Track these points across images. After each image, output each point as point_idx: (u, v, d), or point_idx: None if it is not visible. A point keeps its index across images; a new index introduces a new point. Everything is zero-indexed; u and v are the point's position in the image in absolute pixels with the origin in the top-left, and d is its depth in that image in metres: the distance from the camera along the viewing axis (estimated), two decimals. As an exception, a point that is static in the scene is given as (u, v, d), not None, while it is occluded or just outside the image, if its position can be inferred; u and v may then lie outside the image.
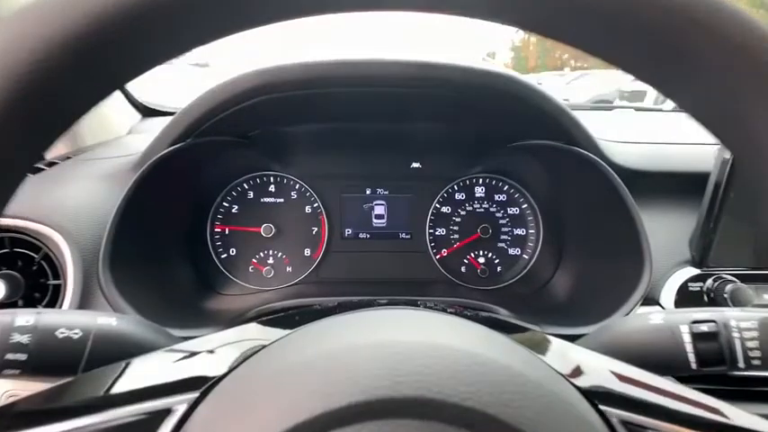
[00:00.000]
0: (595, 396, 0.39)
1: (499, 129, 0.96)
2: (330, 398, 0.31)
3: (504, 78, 0.79)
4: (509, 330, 0.46)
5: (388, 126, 1.04)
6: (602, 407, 0.38)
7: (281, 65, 0.79)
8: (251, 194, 1.15)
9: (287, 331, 0.42)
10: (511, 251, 1.17)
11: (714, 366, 0.55)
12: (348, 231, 1.18)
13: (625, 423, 0.38)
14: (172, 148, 0.87)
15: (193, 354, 0.45)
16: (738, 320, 0.55)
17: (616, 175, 0.85)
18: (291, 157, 1.12)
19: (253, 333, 0.47)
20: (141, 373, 0.44)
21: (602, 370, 0.44)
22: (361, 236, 1.18)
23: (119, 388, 0.41)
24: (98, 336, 0.55)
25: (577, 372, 0.42)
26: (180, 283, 1.01)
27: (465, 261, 1.17)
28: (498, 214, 1.17)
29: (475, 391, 0.32)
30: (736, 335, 0.54)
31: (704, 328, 0.56)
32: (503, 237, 1.17)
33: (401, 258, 1.17)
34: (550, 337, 0.48)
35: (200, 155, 0.97)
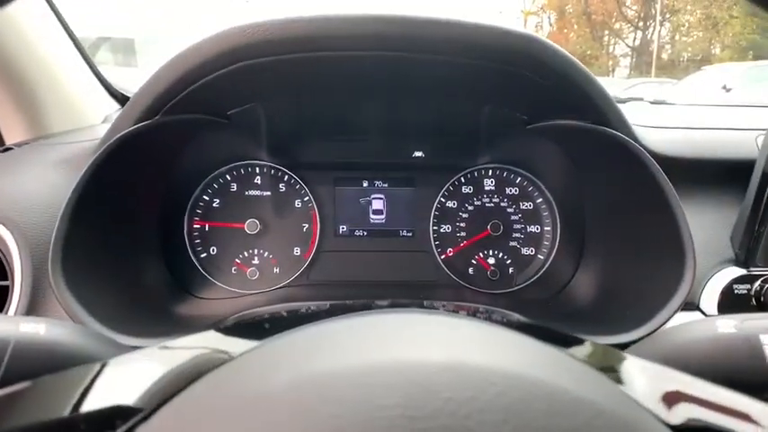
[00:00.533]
0: None
1: (517, 106, 0.83)
2: None
3: (526, 39, 0.67)
4: (556, 341, 0.34)
5: (387, 107, 0.92)
6: None
7: (264, 21, 0.67)
8: (234, 186, 1.03)
9: (251, 344, 0.30)
10: (524, 251, 1.05)
11: None
12: (342, 228, 1.05)
13: None
14: (136, 126, 0.74)
15: (124, 372, 0.33)
16: None
17: (655, 162, 0.73)
18: (279, 144, 0.99)
19: (207, 344, 0.35)
20: (54, 398, 0.32)
21: (688, 395, 0.33)
22: (356, 233, 1.06)
23: (19, 419, 0.30)
24: (20, 346, 0.44)
25: (665, 401, 0.30)
26: (149, 286, 0.88)
27: (473, 262, 1.05)
28: (510, 209, 1.05)
29: None
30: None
31: None
32: (515, 235, 1.05)
33: (402, 259, 1.05)
34: (614, 351, 0.36)
35: (173, 137, 0.85)
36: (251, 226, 1.00)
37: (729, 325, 0.47)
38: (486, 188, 1.06)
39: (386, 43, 0.66)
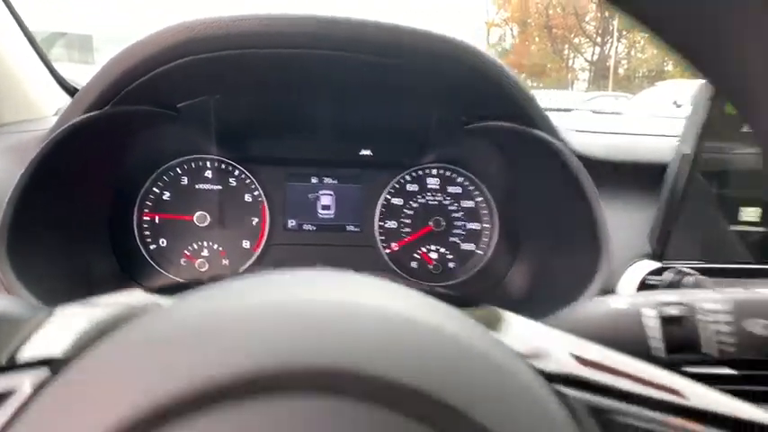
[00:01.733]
0: (558, 380, 0.32)
1: (454, 108, 0.89)
2: (211, 368, 0.23)
3: (456, 45, 0.73)
4: (458, 303, 0.39)
5: (333, 106, 0.96)
6: (566, 391, 0.32)
7: (208, 18, 0.70)
8: (185, 180, 1.05)
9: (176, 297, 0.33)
10: (464, 246, 1.11)
11: (685, 353, 0.50)
12: (291, 223, 1.09)
13: (591, 408, 0.32)
14: (83, 116, 0.76)
15: (59, 322, 0.36)
16: (711, 302, 0.49)
17: (575, 158, 0.79)
18: (229, 138, 1.02)
19: (137, 299, 0.38)
20: None
21: (564, 351, 0.38)
22: (305, 228, 1.09)
23: None
24: None
25: (539, 352, 0.35)
26: (97, 276, 0.90)
27: (416, 256, 1.10)
28: (452, 207, 1.11)
29: (404, 362, 0.24)
30: (708, 318, 0.49)
31: (673, 311, 0.50)
32: (456, 231, 1.11)
33: (349, 252, 1.09)
34: (505, 312, 0.41)
35: (122, 128, 0.87)
36: (200, 218, 1.03)
37: (623, 302, 0.53)
38: (430, 186, 1.11)
39: (320, 42, 0.70)
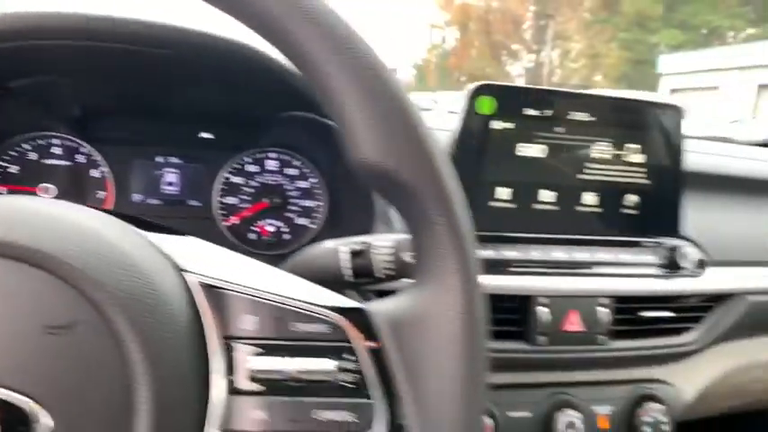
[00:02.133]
0: (184, 270, 0.46)
1: (264, 100, 1.03)
2: None
3: (240, 46, 0.86)
4: (168, 231, 0.52)
5: (168, 93, 1.07)
6: (187, 276, 0.46)
7: (16, 11, 0.80)
8: (32, 155, 1.13)
9: None
10: (299, 221, 1.24)
11: (365, 277, 0.66)
12: (137, 197, 1.19)
13: (204, 285, 0.45)
14: None
15: None
16: (382, 241, 0.65)
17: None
18: (77, 118, 1.11)
19: None
20: None
21: (220, 257, 0.52)
22: (150, 202, 1.20)
23: None
24: None
25: (185, 255, 0.48)
26: None
27: (254, 229, 1.23)
28: (288, 187, 1.24)
29: (43, 237, 0.38)
30: (378, 252, 0.65)
31: (358, 247, 0.66)
32: (292, 208, 1.24)
33: (191, 225, 1.20)
34: (207, 243, 0.55)
35: None
36: (47, 191, 1.11)
37: (330, 243, 0.69)
38: (269, 168, 1.24)
39: (106, 37, 0.82)
